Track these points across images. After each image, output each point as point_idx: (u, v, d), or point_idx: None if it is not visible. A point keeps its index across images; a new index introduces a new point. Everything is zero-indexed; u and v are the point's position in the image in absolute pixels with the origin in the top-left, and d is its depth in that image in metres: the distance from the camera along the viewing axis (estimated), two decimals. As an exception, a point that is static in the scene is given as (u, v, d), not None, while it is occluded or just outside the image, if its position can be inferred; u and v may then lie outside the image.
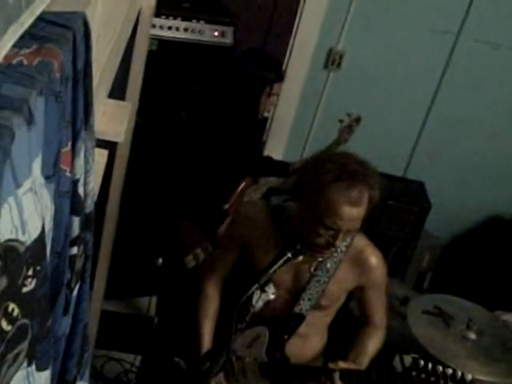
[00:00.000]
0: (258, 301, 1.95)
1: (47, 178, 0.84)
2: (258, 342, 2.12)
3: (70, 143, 0.95)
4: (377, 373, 1.96)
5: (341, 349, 2.18)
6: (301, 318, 2.11)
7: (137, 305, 3.89)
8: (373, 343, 2.15)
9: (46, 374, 0.86)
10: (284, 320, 2.12)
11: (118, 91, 2.16)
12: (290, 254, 1.98)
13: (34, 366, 0.80)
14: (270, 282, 1.97)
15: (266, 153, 3.56)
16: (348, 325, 2.28)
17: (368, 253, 2.11)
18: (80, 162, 1.02)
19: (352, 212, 1.90)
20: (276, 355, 2.10)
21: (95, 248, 2.65)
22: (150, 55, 3.04)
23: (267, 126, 3.79)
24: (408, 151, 4.05)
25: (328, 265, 2.08)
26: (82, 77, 0.97)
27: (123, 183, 2.73)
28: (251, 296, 1.93)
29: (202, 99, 3.13)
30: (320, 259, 2.08)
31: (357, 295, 2.20)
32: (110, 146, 2.05)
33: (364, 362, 2.08)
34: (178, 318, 3.26)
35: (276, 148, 3.64)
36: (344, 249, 2.08)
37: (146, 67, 2.50)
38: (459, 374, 1.81)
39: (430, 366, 1.85)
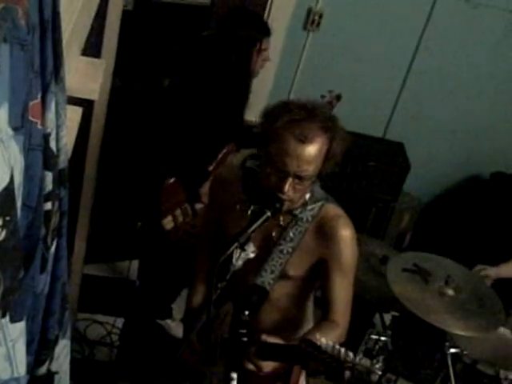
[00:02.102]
0: (238, 260, 1.92)
1: (15, 129, 0.83)
2: (226, 319, 2.07)
3: (39, 95, 0.93)
4: (273, 346, 1.88)
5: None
6: (263, 292, 2.01)
7: (118, 268, 3.90)
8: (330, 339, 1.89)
9: (21, 326, 0.86)
10: (247, 293, 2.03)
11: (93, 50, 2.13)
12: (269, 213, 1.91)
13: (7, 318, 0.80)
14: (249, 240, 1.93)
15: (246, 115, 3.53)
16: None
17: (337, 223, 1.96)
18: (51, 115, 1.00)
19: (299, 149, 1.80)
20: (239, 332, 1.97)
21: (74, 210, 2.64)
22: (126, 15, 2.99)
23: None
24: (387, 112, 4.05)
25: (291, 233, 1.98)
26: (50, 27, 0.94)
27: (102, 145, 2.70)
28: (231, 255, 1.91)
29: (182, 62, 3.08)
30: (281, 223, 1.98)
31: (320, 272, 2.00)
32: (86, 106, 2.03)
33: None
34: (159, 280, 3.28)
35: (256, 110, 3.60)
36: (310, 218, 1.97)
37: (122, 28, 2.46)
38: (342, 352, 1.71)
39: (323, 341, 1.68)
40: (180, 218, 2.90)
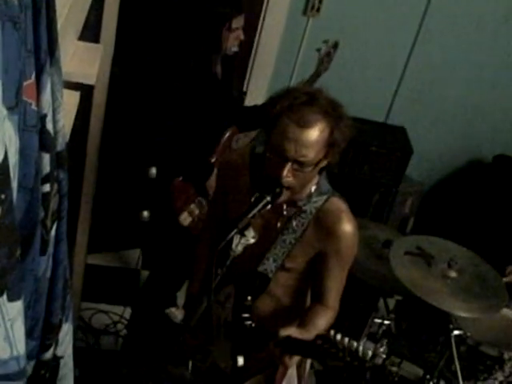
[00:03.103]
0: (238, 245, 1.91)
1: (9, 108, 0.83)
2: (229, 302, 2.07)
3: (33, 75, 0.93)
4: (291, 341, 1.86)
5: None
6: (265, 278, 2.01)
7: (122, 258, 3.91)
8: (322, 322, 1.97)
9: (18, 305, 0.86)
10: (249, 279, 2.04)
11: (92, 37, 2.12)
12: (269, 198, 1.89)
13: (5, 297, 0.80)
14: (249, 226, 1.92)
15: (246, 103, 3.52)
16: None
17: (339, 218, 1.94)
18: (47, 96, 1.00)
19: (298, 133, 1.79)
20: (242, 316, 2.01)
21: (76, 199, 2.65)
22: (125, 2, 2.98)
23: (247, 76, 3.76)
24: (389, 97, 4.04)
25: (294, 223, 1.96)
26: (43, 7, 0.94)
27: (104, 133, 2.71)
28: (231, 241, 1.90)
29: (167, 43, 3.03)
30: (285, 213, 1.97)
31: (317, 264, 2.01)
32: (86, 91, 2.03)
33: (309, 337, 1.88)
34: (166, 270, 3.28)
35: (257, 97, 3.60)
36: (313, 211, 1.96)
37: (120, 17, 2.45)
38: (360, 349, 1.75)
39: (338, 337, 1.72)
40: (196, 212, 2.87)
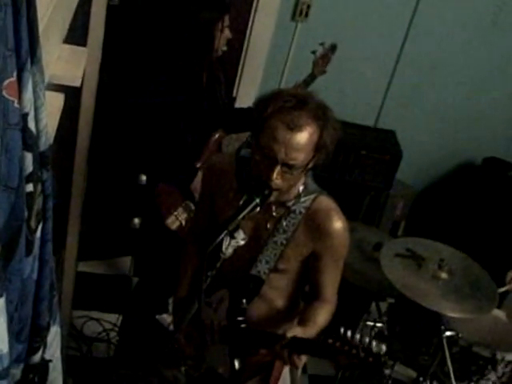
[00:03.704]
0: (228, 247, 1.92)
1: (-10, 105, 0.83)
2: (222, 305, 2.07)
3: (15, 73, 0.93)
4: (299, 341, 1.88)
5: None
6: (259, 281, 2.03)
7: (113, 265, 3.90)
8: (323, 317, 2.01)
9: (1, 302, 0.85)
10: (242, 282, 2.04)
11: (80, 41, 2.12)
12: (258, 200, 1.90)
13: (-14, 293, 0.79)
14: (238, 228, 1.93)
15: (236, 106, 3.53)
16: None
17: (329, 216, 1.96)
18: (28, 95, 1.00)
19: (288, 136, 1.79)
20: (237, 320, 2.01)
21: (65, 205, 2.64)
22: (113, 10, 2.98)
23: (236, 81, 3.77)
24: (379, 101, 4.05)
25: (284, 224, 1.97)
26: (24, 6, 0.94)
27: (93, 140, 2.70)
28: (221, 243, 1.90)
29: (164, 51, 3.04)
30: (274, 214, 1.98)
31: (311, 263, 2.03)
32: (73, 95, 2.03)
33: (312, 334, 1.95)
34: (158, 275, 3.27)
35: (246, 102, 3.61)
36: (303, 210, 1.97)
37: (109, 23, 2.45)
38: (373, 344, 1.76)
39: (348, 334, 1.72)
40: (183, 215, 2.88)
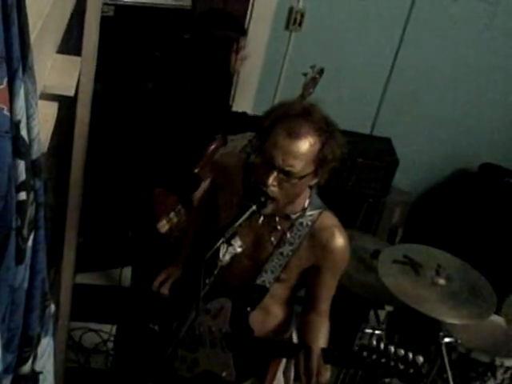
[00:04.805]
0: (225, 254, 1.93)
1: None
2: (222, 313, 2.10)
3: (5, 81, 0.93)
4: (332, 352, 1.94)
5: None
6: (264, 290, 2.07)
7: (110, 276, 3.89)
8: (323, 335, 2.05)
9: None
10: (247, 291, 2.08)
11: (74, 52, 2.13)
12: (254, 207, 1.92)
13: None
14: (236, 235, 1.94)
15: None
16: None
17: (332, 233, 2.01)
18: (20, 102, 1.00)
19: (287, 143, 1.83)
20: (240, 327, 2.07)
21: (62, 217, 2.64)
22: (107, 21, 2.99)
23: (232, 90, 3.77)
24: (374, 108, 4.06)
25: (290, 237, 2.01)
26: (14, 12, 0.94)
27: (89, 151, 2.70)
28: (218, 250, 1.91)
29: (165, 65, 3.10)
30: (278, 227, 2.02)
31: (310, 276, 2.08)
32: (68, 106, 2.03)
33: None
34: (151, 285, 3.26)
35: (242, 109, 3.62)
36: (310, 223, 2.01)
37: (103, 34, 2.47)
38: (410, 355, 1.79)
39: (381, 346, 1.80)
40: (174, 220, 2.91)
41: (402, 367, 1.77)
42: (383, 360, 1.79)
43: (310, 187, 2.00)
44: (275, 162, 1.84)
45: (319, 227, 2.01)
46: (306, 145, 1.83)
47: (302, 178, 1.88)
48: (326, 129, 1.86)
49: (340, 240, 2.01)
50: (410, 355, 1.77)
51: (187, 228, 2.47)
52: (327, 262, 2.02)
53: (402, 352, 1.78)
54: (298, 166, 1.84)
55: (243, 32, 2.97)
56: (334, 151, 1.88)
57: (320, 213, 2.02)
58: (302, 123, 1.84)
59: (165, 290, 2.21)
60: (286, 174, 1.85)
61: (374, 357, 1.79)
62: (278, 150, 1.83)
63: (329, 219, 2.03)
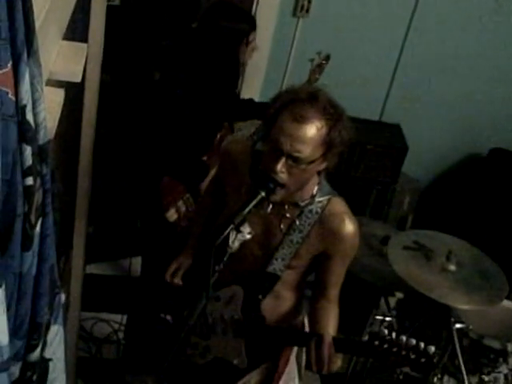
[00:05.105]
0: (235, 241, 1.93)
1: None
2: (234, 300, 2.10)
3: (9, 64, 0.92)
4: (343, 341, 1.94)
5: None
6: (275, 278, 2.07)
7: (120, 266, 3.90)
8: (333, 322, 2.05)
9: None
10: (258, 279, 2.09)
11: (81, 39, 2.12)
12: (263, 193, 1.92)
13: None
14: (245, 221, 1.94)
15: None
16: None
17: (343, 220, 2.00)
18: (26, 86, 1.00)
19: (294, 127, 1.82)
20: (251, 314, 2.07)
21: (71, 205, 2.64)
22: (114, 10, 2.99)
23: (240, 76, 3.76)
24: (383, 95, 4.03)
25: (298, 223, 2.01)
26: (18, -3, 0.93)
27: (97, 142, 2.70)
28: (227, 237, 1.91)
29: (173, 55, 3.09)
30: (288, 215, 2.02)
31: (320, 262, 2.08)
32: (75, 95, 2.02)
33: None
34: (162, 275, 3.27)
35: (250, 97, 3.61)
36: (319, 210, 2.00)
37: (110, 24, 2.46)
38: (422, 345, 1.79)
39: (393, 335, 1.80)
40: (183, 209, 2.92)
41: (413, 356, 1.77)
42: (395, 349, 1.78)
43: (319, 173, 1.99)
44: (283, 147, 1.83)
45: (329, 214, 2.00)
46: (312, 129, 1.82)
47: (310, 163, 1.86)
48: (332, 112, 1.85)
49: (350, 226, 2.00)
50: (422, 345, 1.77)
51: (195, 216, 2.47)
52: (337, 249, 2.01)
53: (414, 341, 1.78)
54: (306, 151, 1.83)
55: (254, 26, 2.96)
56: (342, 134, 1.86)
57: (329, 199, 2.01)
58: (308, 108, 1.82)
59: (178, 280, 2.21)
60: (295, 160, 1.85)
61: (386, 346, 1.79)
62: (286, 135, 1.83)
63: (338, 205, 2.02)
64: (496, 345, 2.73)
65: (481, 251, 2.81)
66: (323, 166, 1.93)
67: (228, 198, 2.13)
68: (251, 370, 2.15)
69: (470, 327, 2.75)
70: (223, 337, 2.12)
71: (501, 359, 2.75)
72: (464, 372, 2.68)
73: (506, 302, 2.80)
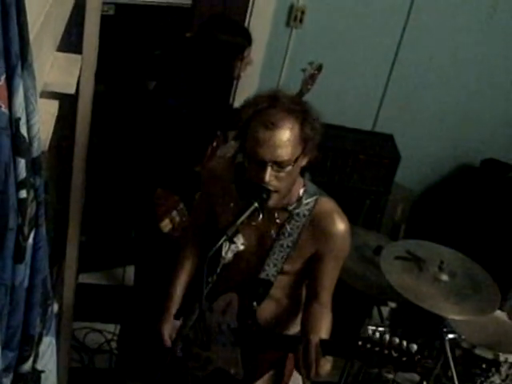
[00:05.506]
0: (228, 252, 1.92)
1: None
2: (229, 308, 2.10)
3: (3, 77, 0.92)
4: (329, 343, 1.92)
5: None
6: (268, 284, 2.06)
7: (113, 275, 3.89)
8: (326, 326, 2.01)
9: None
10: (251, 286, 2.08)
11: (75, 51, 2.12)
12: (256, 204, 1.92)
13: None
14: (238, 232, 1.93)
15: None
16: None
17: (332, 219, 1.99)
18: (19, 99, 1.00)
19: (268, 136, 1.81)
20: (247, 322, 2.06)
21: (64, 215, 2.64)
22: (108, 20, 2.99)
23: (233, 87, 3.77)
24: (376, 105, 4.05)
25: (288, 228, 2.01)
26: (13, 9, 0.94)
27: (91, 151, 2.70)
28: (220, 248, 1.91)
29: (166, 64, 3.10)
30: (278, 221, 2.02)
31: (312, 264, 2.06)
32: (69, 105, 2.03)
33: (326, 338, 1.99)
34: (155, 285, 3.26)
35: (243, 107, 3.62)
36: (307, 212, 2.00)
37: (104, 33, 2.47)
38: (404, 344, 1.77)
39: (377, 335, 1.78)
40: (177, 219, 2.93)
41: (395, 355, 1.76)
42: (377, 349, 1.77)
43: (302, 174, 1.99)
44: (265, 157, 1.84)
45: (318, 214, 2.00)
46: (286, 131, 1.83)
47: (294, 162, 1.88)
48: (298, 109, 1.85)
49: (340, 225, 1.99)
50: (404, 343, 1.75)
51: (187, 232, 2.44)
52: (329, 248, 2.00)
53: (397, 340, 1.76)
54: (287, 154, 1.84)
55: (250, 42, 2.96)
56: (314, 126, 1.87)
57: (316, 199, 2.01)
58: (273, 113, 1.82)
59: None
60: (280, 165, 1.85)
61: (369, 346, 1.78)
62: (263, 146, 1.83)
63: (327, 204, 2.02)
64: (488, 355, 2.73)
65: (473, 261, 2.82)
66: (305, 160, 1.93)
67: (217, 213, 2.12)
68: (248, 380, 2.13)
69: (463, 337, 2.75)
70: (222, 347, 2.12)
71: (493, 369, 2.75)
72: (457, 382, 2.68)
73: (497, 312, 2.80)
